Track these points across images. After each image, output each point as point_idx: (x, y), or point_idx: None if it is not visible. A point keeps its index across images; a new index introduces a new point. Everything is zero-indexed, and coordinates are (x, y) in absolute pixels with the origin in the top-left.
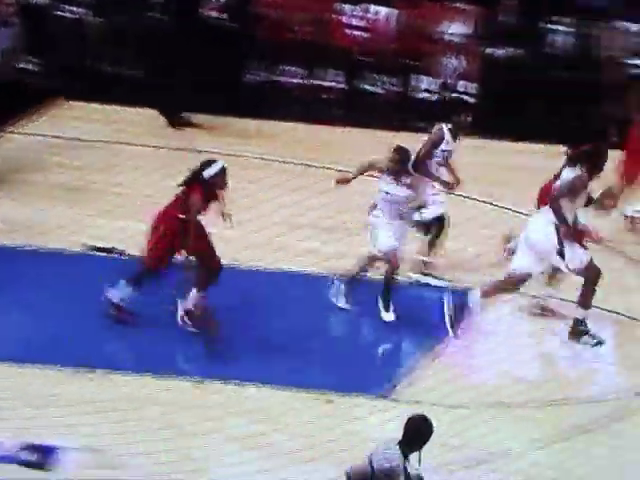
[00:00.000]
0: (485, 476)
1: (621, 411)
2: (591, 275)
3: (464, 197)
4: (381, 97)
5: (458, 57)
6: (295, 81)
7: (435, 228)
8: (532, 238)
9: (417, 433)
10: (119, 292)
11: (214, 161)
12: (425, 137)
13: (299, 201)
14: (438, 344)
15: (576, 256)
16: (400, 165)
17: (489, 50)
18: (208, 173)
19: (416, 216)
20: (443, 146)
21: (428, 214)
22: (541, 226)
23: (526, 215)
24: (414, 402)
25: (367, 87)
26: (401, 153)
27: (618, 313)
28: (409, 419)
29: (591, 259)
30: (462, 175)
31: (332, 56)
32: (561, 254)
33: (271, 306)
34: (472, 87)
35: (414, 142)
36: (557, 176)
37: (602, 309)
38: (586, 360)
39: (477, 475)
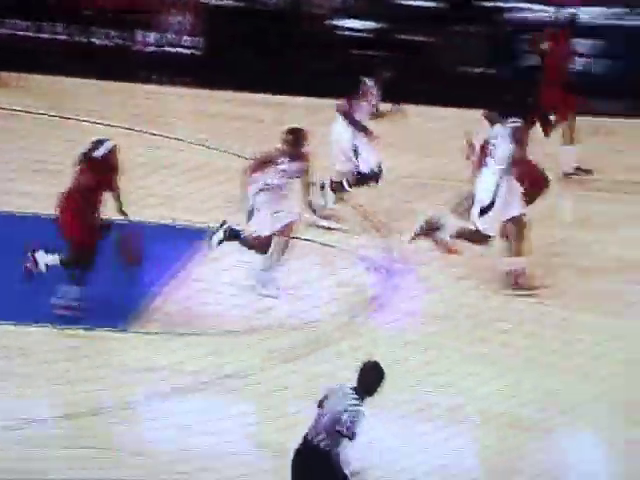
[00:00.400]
0: (221, 396)
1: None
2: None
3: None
4: (109, 50)
5: (181, 11)
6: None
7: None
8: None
9: (373, 378)
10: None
11: (104, 141)
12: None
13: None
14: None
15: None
16: (296, 145)
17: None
18: (97, 153)
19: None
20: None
21: (365, 166)
22: (488, 184)
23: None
24: (155, 333)
25: (94, 40)
26: (296, 133)
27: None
28: (364, 366)
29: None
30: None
31: (60, 10)
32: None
33: None
34: (195, 41)
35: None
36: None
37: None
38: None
39: (210, 395)
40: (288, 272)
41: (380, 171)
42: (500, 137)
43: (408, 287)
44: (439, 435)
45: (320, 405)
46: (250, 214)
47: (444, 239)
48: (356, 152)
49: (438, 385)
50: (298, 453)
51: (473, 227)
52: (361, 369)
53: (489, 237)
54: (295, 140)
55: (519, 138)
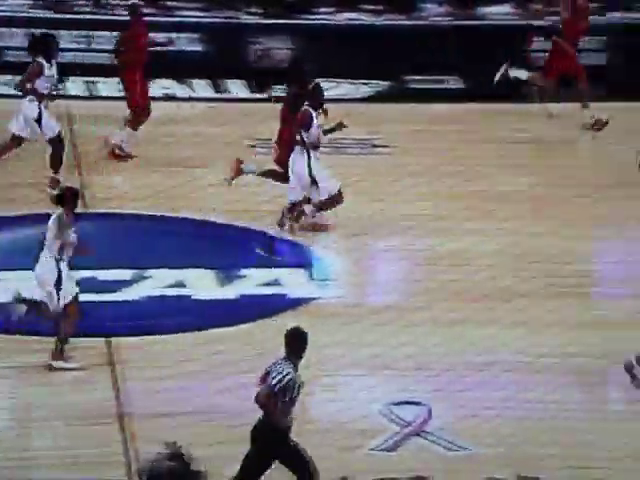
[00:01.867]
0: None
1: None
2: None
3: None
4: None
5: None
6: None
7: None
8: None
9: (300, 343)
10: None
11: None
12: None
13: None
14: None
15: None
16: None
17: None
18: None
19: None
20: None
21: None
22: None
23: None
24: None
25: None
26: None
27: None
28: (289, 333)
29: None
30: None
31: None
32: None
33: None
34: None
35: None
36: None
37: None
38: None
39: None
40: None
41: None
42: None
43: None
44: None
45: (264, 381)
46: None
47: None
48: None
49: None
50: (254, 428)
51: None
52: (286, 338)
53: None
54: None
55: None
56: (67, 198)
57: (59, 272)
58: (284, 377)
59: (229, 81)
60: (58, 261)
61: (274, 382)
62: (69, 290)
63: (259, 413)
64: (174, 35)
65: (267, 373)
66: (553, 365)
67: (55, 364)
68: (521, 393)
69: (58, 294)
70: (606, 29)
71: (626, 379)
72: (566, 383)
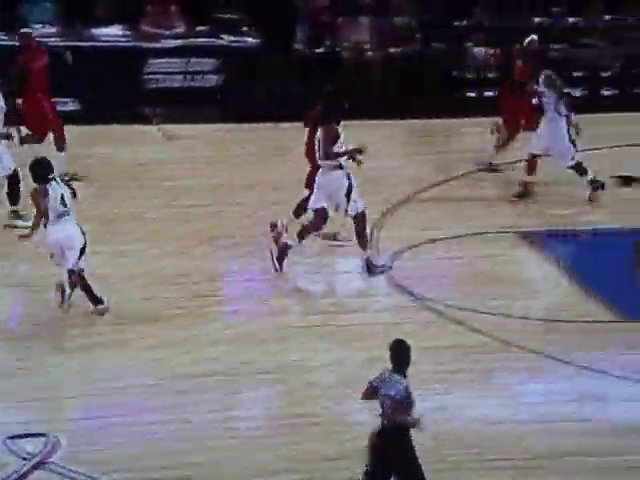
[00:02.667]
0: None
1: None
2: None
3: None
4: None
5: None
6: None
7: None
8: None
9: (406, 354)
10: None
11: None
12: None
13: None
14: None
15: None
16: None
17: None
18: None
19: None
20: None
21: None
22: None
23: None
24: None
25: None
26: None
27: None
28: (395, 345)
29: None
30: None
31: None
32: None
33: None
34: None
35: None
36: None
37: None
38: None
39: None
40: None
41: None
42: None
43: None
44: None
45: (374, 396)
46: None
47: None
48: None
49: None
50: (379, 434)
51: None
52: (391, 351)
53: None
54: None
55: None
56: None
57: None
58: (402, 388)
59: None
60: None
61: (397, 396)
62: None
63: None
64: None
65: (375, 388)
66: (191, 384)
67: None
68: (155, 415)
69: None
70: (220, 51)
71: (258, 394)
72: (208, 400)
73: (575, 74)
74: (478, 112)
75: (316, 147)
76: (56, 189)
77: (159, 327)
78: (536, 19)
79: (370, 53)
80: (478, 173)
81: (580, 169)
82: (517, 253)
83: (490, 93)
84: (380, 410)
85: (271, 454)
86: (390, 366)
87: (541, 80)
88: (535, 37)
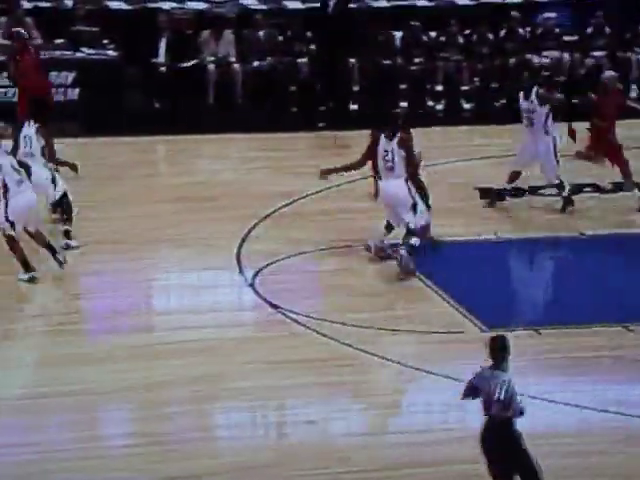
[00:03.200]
0: None
1: None
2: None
3: None
4: None
5: None
6: None
7: None
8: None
9: (505, 350)
10: None
11: None
12: None
13: None
14: None
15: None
16: None
17: None
18: None
19: None
20: None
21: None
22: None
23: None
24: None
25: None
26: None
27: None
28: (494, 340)
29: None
30: None
31: None
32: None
33: None
34: None
35: None
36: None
37: None
38: None
39: None
40: None
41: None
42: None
43: None
44: None
45: (476, 394)
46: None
47: None
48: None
49: None
50: (488, 433)
51: None
52: (489, 348)
53: None
54: None
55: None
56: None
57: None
58: (505, 385)
59: None
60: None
61: (503, 396)
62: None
63: None
64: None
65: (475, 388)
66: (50, 403)
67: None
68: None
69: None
70: (76, 65)
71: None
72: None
73: (436, 88)
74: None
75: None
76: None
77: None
78: (395, 32)
79: (236, 66)
80: (340, 187)
81: (561, 186)
82: (381, 265)
83: (355, 106)
84: (483, 409)
85: (119, 472)
86: (489, 363)
87: (533, 96)
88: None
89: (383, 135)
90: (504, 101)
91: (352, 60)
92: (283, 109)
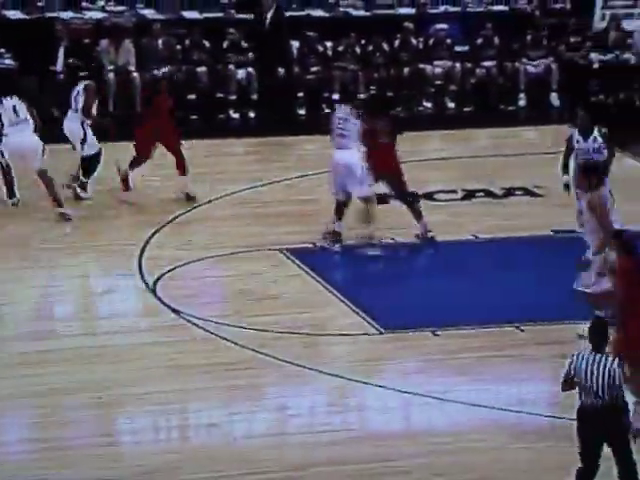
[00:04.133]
0: None
1: None
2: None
3: None
4: None
5: None
6: None
7: None
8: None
9: (605, 333)
10: None
11: None
12: None
13: None
14: None
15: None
16: None
17: None
18: None
19: None
20: None
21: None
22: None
23: None
24: None
25: None
26: None
27: None
28: (594, 326)
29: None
30: None
31: None
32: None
33: None
34: None
35: None
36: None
37: None
38: None
39: None
40: None
41: None
42: None
43: None
44: None
45: (578, 380)
46: None
47: None
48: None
49: None
50: (596, 411)
51: None
52: (590, 331)
53: None
54: None
55: None
56: None
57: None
58: (615, 367)
59: None
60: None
61: (618, 381)
62: None
63: None
64: None
65: (572, 377)
66: None
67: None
68: None
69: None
70: None
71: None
72: None
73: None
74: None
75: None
76: (7, 102)
77: None
78: (293, 42)
79: (135, 75)
80: (243, 193)
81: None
82: (283, 270)
83: (252, 114)
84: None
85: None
86: (588, 348)
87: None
88: None
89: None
90: (399, 109)
91: (250, 69)
92: (183, 117)
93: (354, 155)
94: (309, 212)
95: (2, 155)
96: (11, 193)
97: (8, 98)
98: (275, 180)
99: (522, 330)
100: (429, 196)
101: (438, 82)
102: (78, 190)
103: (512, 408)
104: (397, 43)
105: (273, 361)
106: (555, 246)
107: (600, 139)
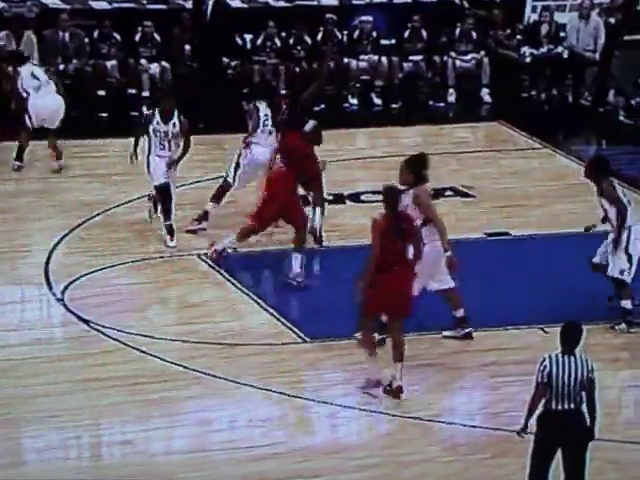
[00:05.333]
0: None
1: None
2: None
3: None
4: None
5: None
6: None
7: None
8: None
9: (578, 335)
10: None
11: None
12: None
13: None
14: None
15: None
16: None
17: None
18: None
19: None
20: None
21: None
22: None
23: None
24: None
25: None
26: None
27: None
28: (566, 328)
29: None
30: None
31: None
32: None
33: None
34: None
35: None
36: None
37: None
38: None
39: None
40: None
41: None
42: None
43: None
44: None
45: (549, 382)
46: None
47: None
48: None
49: None
50: (565, 416)
51: None
52: (562, 334)
53: None
54: None
55: None
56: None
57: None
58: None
59: None
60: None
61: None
62: None
63: None
64: None
65: (543, 386)
66: None
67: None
68: None
69: None
70: None
71: None
72: None
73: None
74: None
75: None
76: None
77: None
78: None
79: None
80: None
81: None
82: (201, 277)
83: None
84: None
85: None
86: (558, 351)
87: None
88: None
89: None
90: (323, 105)
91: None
92: (91, 114)
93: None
94: (228, 215)
95: (29, 119)
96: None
97: (24, 66)
98: (197, 181)
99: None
100: (355, 197)
101: (364, 77)
102: None
103: (444, 419)
104: (320, 36)
105: (192, 373)
106: (487, 249)
107: None
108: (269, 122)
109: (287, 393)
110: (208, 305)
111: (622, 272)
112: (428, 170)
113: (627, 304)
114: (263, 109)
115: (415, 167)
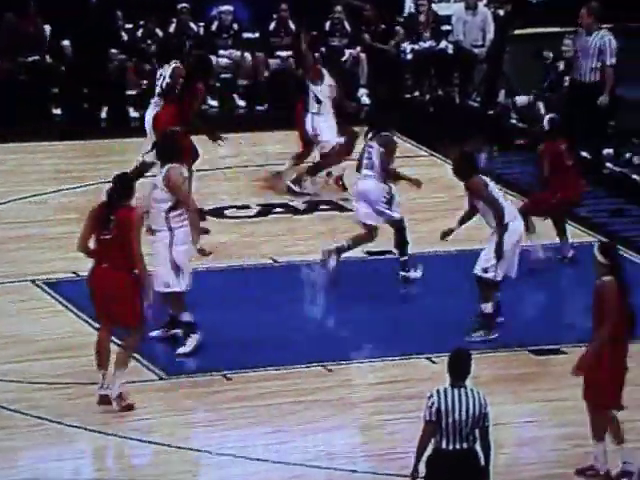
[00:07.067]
0: None
1: None
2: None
3: None
4: None
5: None
6: None
7: None
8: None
9: (467, 363)
10: None
11: None
12: None
13: None
14: None
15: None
16: None
17: None
18: None
19: None
20: None
21: None
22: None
23: None
24: None
25: None
26: None
27: None
28: (454, 356)
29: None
30: None
31: None
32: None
33: None
34: None
35: None
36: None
37: None
38: None
39: None
40: None
41: None
42: None
43: None
44: None
45: (438, 419)
46: None
47: None
48: None
49: None
50: (457, 455)
51: None
52: (450, 364)
53: None
54: None
55: None
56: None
57: None
58: (478, 400)
59: None
60: None
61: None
62: None
63: None
64: None
65: (433, 425)
66: None
67: None
68: None
69: None
70: None
71: None
72: None
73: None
74: None
75: None
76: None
77: None
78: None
79: None
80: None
81: None
82: (37, 305)
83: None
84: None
85: None
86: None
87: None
88: None
89: None
90: None
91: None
92: None
93: None
94: (67, 235)
95: None
96: None
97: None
98: (25, 196)
99: (330, 371)
100: (218, 213)
101: (224, 76)
102: None
103: (321, 464)
104: (172, 28)
105: (26, 418)
106: (369, 270)
107: None
108: None
109: (141, 439)
110: (46, 338)
111: (486, 270)
112: None
113: (487, 308)
114: None
115: None
